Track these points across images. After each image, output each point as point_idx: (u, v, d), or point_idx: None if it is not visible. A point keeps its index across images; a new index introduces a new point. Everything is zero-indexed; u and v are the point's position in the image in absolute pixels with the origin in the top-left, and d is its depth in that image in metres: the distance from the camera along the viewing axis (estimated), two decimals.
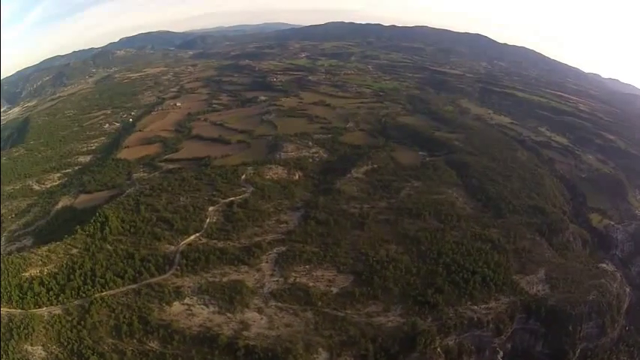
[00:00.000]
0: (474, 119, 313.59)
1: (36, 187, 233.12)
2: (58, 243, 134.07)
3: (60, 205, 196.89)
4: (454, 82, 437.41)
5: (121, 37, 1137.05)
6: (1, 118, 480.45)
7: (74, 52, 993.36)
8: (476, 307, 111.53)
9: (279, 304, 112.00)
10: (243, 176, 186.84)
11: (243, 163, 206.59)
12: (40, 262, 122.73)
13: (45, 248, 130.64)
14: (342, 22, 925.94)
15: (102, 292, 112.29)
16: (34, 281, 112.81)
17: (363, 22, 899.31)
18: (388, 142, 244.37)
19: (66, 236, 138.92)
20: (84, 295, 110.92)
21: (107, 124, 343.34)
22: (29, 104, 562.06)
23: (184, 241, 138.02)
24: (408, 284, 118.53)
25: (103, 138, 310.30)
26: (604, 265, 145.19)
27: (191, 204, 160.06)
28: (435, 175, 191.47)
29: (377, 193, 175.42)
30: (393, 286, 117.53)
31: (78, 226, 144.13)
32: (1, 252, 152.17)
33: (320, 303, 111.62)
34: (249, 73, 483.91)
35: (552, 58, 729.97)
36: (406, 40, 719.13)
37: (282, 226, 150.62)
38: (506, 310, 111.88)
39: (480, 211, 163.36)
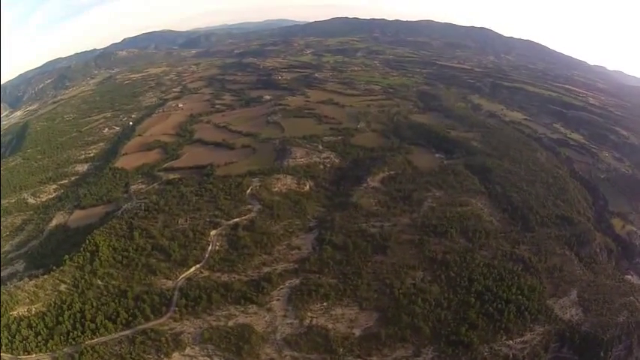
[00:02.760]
0: (488, 116, 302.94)
1: (31, 200, 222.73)
2: (45, 277, 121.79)
3: (54, 222, 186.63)
4: (463, 76, 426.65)
5: (124, 37, 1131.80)
6: (3, 122, 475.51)
7: (76, 53, 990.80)
8: (511, 341, 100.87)
9: (295, 353, 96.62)
10: (249, 190, 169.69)
11: (248, 171, 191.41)
12: (28, 300, 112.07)
13: (32, 283, 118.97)
14: (346, 18, 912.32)
15: (92, 338, 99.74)
16: (22, 322, 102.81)
17: (367, 18, 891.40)
18: (402, 143, 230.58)
19: (54, 268, 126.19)
20: (73, 342, 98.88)
21: (106, 129, 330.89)
22: (30, 108, 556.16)
23: (183, 275, 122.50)
24: (438, 320, 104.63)
25: (102, 144, 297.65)
26: (629, 277, 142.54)
27: (191, 227, 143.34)
28: (456, 182, 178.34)
29: (397, 206, 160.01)
30: (422, 324, 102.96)
31: (67, 256, 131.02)
32: None
33: (341, 350, 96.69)
34: (253, 71, 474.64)
35: (557, 50, 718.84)
36: (411, 34, 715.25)
37: (293, 252, 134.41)
38: (541, 340, 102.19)
39: (507, 224, 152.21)
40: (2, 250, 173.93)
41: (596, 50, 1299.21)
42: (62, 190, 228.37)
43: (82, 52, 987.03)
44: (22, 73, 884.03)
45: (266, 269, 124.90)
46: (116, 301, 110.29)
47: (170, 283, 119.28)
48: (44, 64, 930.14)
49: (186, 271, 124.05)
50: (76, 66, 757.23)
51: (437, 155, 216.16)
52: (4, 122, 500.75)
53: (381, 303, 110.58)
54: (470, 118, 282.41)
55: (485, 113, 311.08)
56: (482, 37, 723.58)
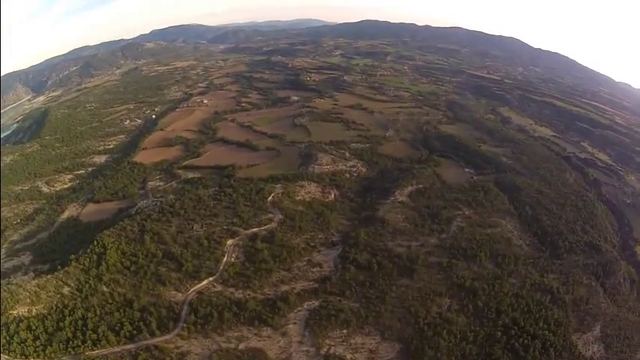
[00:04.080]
0: (517, 130, 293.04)
1: (45, 189, 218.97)
2: (48, 277, 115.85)
3: (65, 215, 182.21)
4: (493, 87, 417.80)
5: (152, 29, 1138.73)
6: (25, 106, 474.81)
7: (103, 42, 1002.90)
8: None
9: None
10: (270, 197, 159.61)
11: (271, 176, 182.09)
12: (29, 300, 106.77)
13: (34, 282, 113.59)
14: (376, 21, 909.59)
15: (93, 350, 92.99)
16: (21, 323, 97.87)
17: (397, 22, 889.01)
18: (431, 155, 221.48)
19: (59, 267, 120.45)
20: (73, 351, 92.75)
21: (128, 121, 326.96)
22: (54, 94, 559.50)
23: (194, 288, 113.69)
24: (463, 355, 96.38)
25: (122, 136, 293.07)
26: None
27: (206, 235, 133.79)
28: (486, 201, 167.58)
29: (425, 224, 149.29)
30: (446, 358, 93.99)
31: (73, 256, 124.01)
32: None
33: None
34: (282, 70, 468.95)
35: (584, 64, 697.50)
36: (441, 41, 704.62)
37: (314, 270, 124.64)
38: None
39: (536, 249, 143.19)
40: (10, 238, 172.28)
41: (621, 66, 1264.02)
42: (77, 181, 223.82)
43: (109, 42, 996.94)
44: (47, 58, 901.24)
45: (284, 287, 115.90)
46: (121, 310, 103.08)
47: (180, 296, 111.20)
48: (70, 52, 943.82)
49: (197, 283, 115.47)
50: (102, 55, 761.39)
51: (466, 170, 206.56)
52: (26, 106, 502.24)
53: (405, 333, 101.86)
54: (499, 132, 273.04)
55: (514, 127, 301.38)
56: (510, 46, 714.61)
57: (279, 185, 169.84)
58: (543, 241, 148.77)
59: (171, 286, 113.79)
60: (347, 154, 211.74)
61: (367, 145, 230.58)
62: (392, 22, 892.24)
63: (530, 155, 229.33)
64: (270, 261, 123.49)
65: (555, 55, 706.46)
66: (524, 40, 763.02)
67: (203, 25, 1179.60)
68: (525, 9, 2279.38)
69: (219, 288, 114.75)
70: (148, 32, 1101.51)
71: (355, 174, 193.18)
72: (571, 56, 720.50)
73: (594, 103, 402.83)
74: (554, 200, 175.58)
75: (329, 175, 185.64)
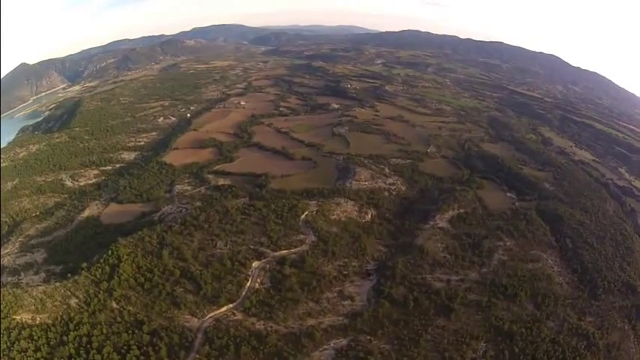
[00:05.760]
0: (558, 153, 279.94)
1: (68, 183, 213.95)
2: (56, 284, 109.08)
3: (86, 213, 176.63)
4: (534, 105, 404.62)
5: (194, 26, 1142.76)
6: (59, 94, 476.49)
7: (143, 37, 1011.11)
8: None
9: None
10: (304, 216, 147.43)
11: (305, 189, 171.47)
12: (33, 308, 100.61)
13: (41, 289, 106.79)
14: (418, 31, 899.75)
15: None
16: (23, 331, 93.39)
17: (439, 33, 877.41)
18: (473, 175, 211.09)
19: (69, 275, 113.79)
20: None
21: (162, 118, 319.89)
22: (90, 84, 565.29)
23: (212, 314, 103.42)
24: None
25: (155, 133, 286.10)
26: None
27: (230, 255, 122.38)
28: (528, 232, 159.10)
29: (466, 255, 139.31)
30: None
31: (84, 264, 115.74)
32: (12, 264, 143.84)
33: None
34: (322, 76, 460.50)
35: (620, 86, 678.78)
36: (482, 54, 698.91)
37: (345, 303, 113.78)
38: None
39: (575, 287, 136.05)
40: (27, 232, 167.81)
41: None
42: (103, 177, 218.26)
43: (149, 36, 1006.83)
44: (85, 49, 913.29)
45: (310, 321, 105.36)
46: (130, 332, 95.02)
47: (195, 322, 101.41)
48: (109, 44, 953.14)
49: (216, 309, 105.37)
50: (141, 49, 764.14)
51: (508, 194, 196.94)
52: (60, 94, 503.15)
53: None
54: (541, 155, 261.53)
55: (555, 149, 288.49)
56: (550, 63, 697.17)
57: (313, 202, 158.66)
58: (582, 278, 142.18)
59: (187, 310, 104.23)
60: (386, 170, 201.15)
61: (408, 161, 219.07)
62: (433, 33, 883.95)
63: (571, 181, 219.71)
64: (298, 290, 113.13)
65: (594, 75, 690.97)
66: (563, 58, 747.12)
67: (245, 26, 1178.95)
68: (565, 26, 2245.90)
69: (239, 317, 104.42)
70: (189, 29, 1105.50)
71: (394, 192, 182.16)
72: (608, 76, 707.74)
73: (631, 127, 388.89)
74: (594, 233, 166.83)
75: (367, 192, 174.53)
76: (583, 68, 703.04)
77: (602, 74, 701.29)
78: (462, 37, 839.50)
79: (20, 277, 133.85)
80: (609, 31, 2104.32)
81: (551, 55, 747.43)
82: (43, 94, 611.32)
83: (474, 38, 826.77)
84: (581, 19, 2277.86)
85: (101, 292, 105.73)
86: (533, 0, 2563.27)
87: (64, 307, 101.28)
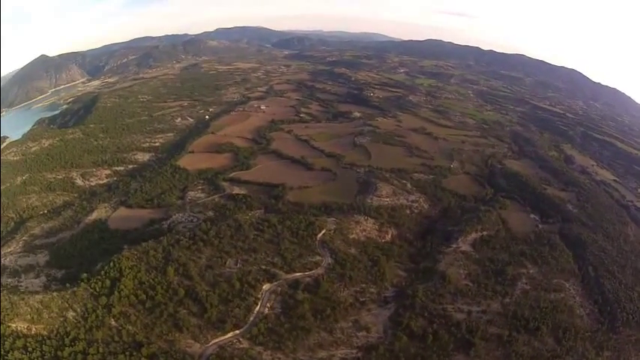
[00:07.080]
0: (580, 172, 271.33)
1: (79, 181, 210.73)
2: (54, 294, 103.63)
3: (94, 215, 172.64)
4: (556, 121, 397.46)
5: (217, 27, 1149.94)
6: (78, 88, 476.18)
7: (166, 35, 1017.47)
8: None
9: None
10: (321, 234, 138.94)
11: (324, 203, 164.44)
12: (29, 317, 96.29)
13: (38, 298, 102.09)
14: (441, 41, 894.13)
15: None
16: (17, 341, 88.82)
17: (462, 44, 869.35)
18: (496, 194, 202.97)
19: (68, 285, 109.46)
20: None
21: (179, 118, 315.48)
22: (110, 80, 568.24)
23: (216, 340, 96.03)
24: None
25: (171, 134, 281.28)
26: None
27: (239, 275, 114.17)
28: (551, 258, 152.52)
29: (489, 283, 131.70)
30: None
31: (85, 275, 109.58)
32: (13, 264, 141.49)
33: None
34: (345, 83, 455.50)
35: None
36: (504, 67, 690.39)
37: (360, 334, 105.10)
38: None
39: (595, 319, 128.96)
40: (32, 231, 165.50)
41: None
42: (115, 178, 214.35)
43: (172, 35, 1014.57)
44: (106, 44, 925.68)
45: (321, 354, 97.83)
46: (127, 353, 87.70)
47: (197, 347, 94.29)
48: (131, 40, 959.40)
49: (220, 335, 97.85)
50: (163, 47, 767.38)
51: (532, 216, 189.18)
52: (79, 88, 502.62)
53: None
54: (564, 174, 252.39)
55: (577, 167, 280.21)
56: (571, 78, 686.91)
57: (331, 219, 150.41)
58: (603, 310, 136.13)
59: (189, 334, 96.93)
60: (409, 186, 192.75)
61: (430, 176, 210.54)
62: (456, 43, 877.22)
63: (594, 203, 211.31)
64: (310, 318, 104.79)
65: (614, 91, 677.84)
66: (584, 73, 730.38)
67: (268, 29, 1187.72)
68: (585, 41, 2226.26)
69: (244, 344, 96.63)
70: (212, 30, 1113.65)
71: (416, 210, 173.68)
72: (627, 93, 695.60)
73: None
74: (615, 260, 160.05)
75: (388, 209, 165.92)
76: (603, 84, 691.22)
77: (621, 90, 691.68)
78: (484, 48, 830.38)
79: (20, 280, 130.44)
80: (629, 47, 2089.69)
81: (573, 69, 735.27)
82: (62, 86, 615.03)
83: (495, 50, 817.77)
84: (600, 34, 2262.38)
85: (100, 307, 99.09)
86: (554, 14, 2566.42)
87: (61, 319, 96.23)
